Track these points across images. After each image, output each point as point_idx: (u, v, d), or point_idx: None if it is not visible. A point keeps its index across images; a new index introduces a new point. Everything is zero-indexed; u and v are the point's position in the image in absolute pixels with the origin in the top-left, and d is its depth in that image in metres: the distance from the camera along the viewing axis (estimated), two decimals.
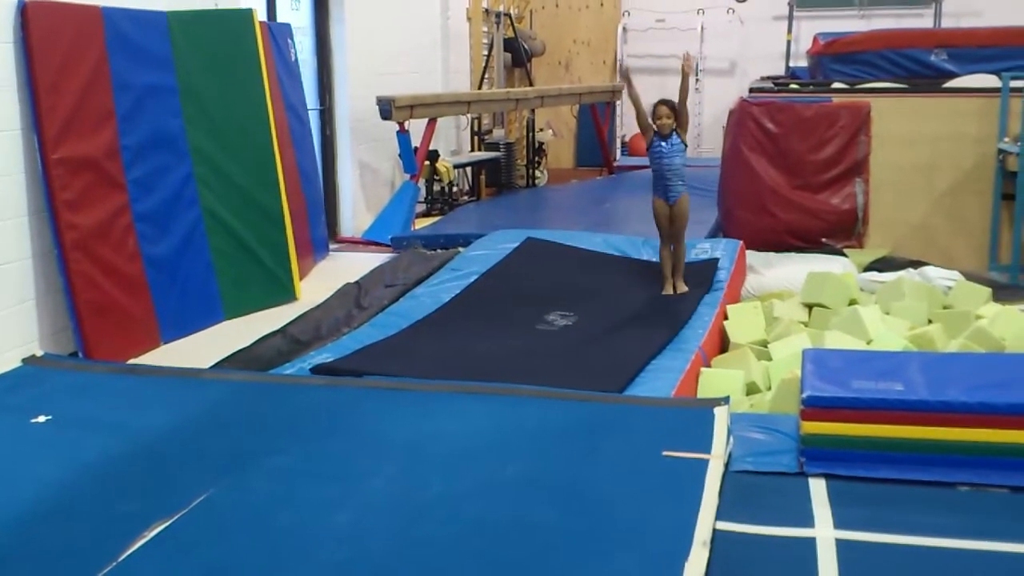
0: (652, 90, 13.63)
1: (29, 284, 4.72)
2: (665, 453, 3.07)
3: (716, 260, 5.88)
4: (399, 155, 8.39)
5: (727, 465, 3.05)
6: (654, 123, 5.44)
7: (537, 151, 11.60)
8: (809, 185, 6.83)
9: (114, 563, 2.47)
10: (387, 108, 7.85)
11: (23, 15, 4.58)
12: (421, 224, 8.40)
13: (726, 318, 5.17)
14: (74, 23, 4.85)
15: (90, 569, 2.44)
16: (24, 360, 4.31)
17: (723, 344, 5.02)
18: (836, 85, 7.81)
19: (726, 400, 3.47)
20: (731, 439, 3.19)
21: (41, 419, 3.53)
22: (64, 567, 2.49)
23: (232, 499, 2.86)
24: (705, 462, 2.99)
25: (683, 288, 5.46)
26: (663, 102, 5.47)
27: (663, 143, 5.46)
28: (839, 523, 2.69)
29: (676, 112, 5.45)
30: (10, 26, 4.56)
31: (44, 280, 4.78)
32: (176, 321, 5.30)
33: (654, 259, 5.97)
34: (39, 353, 4.51)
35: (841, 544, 2.58)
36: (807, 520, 2.72)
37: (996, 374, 3.17)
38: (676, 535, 2.54)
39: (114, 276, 4.94)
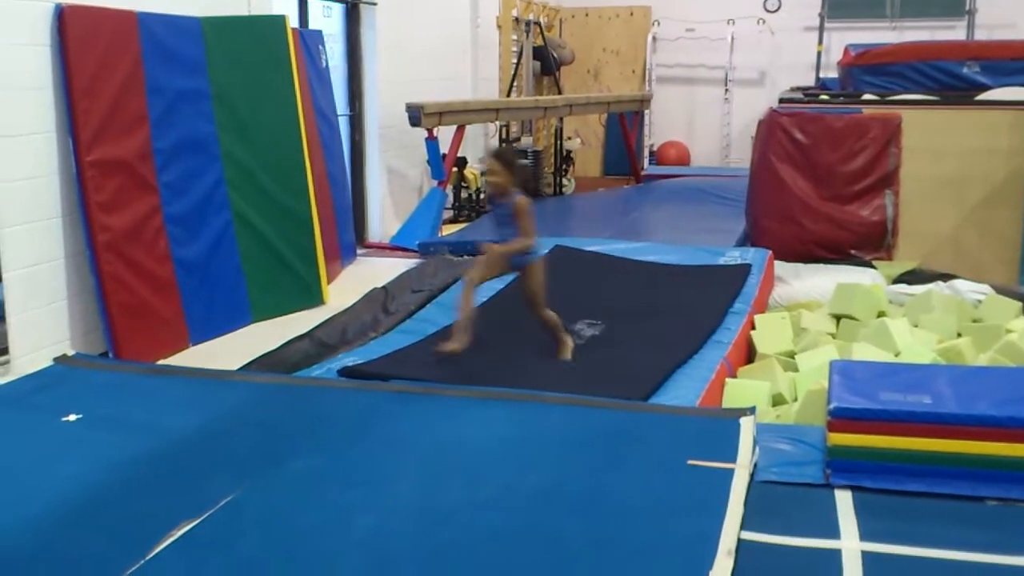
0: (680, 99, 13.67)
1: (61, 285, 4.78)
2: (690, 462, 3.06)
3: (748, 266, 5.86)
4: (427, 161, 8.42)
5: (752, 475, 3.04)
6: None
7: (565, 159, 11.61)
8: (838, 196, 6.79)
9: (141, 562, 2.49)
10: (416, 115, 7.88)
11: (60, 19, 4.64)
12: (448, 230, 8.43)
13: (753, 328, 5.15)
14: (110, 28, 4.92)
15: (117, 567, 2.46)
16: (55, 359, 4.37)
17: (750, 354, 5.00)
18: (867, 96, 7.78)
19: (752, 410, 3.45)
20: (756, 449, 3.18)
21: (71, 418, 3.57)
22: (91, 565, 2.51)
23: (257, 501, 2.88)
24: (730, 472, 2.98)
25: (567, 355, 4.50)
26: (495, 155, 4.42)
27: (497, 207, 4.40)
28: (865, 535, 2.68)
29: (513, 170, 4.33)
30: (47, 30, 4.63)
31: (76, 281, 4.84)
32: (205, 323, 5.35)
33: (683, 263, 5.98)
34: (70, 353, 4.56)
35: (867, 556, 2.56)
36: (833, 532, 2.71)
37: None
38: (700, 545, 2.53)
39: (145, 278, 4.99)
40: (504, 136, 10.96)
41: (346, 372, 4.23)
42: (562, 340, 4.56)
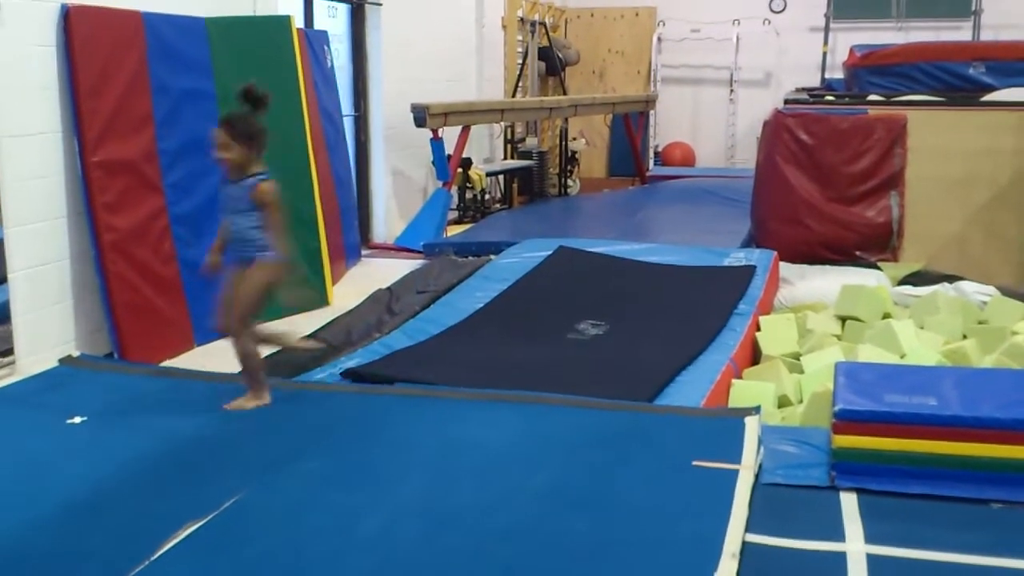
0: (686, 99, 13.70)
1: (66, 285, 4.78)
2: (695, 463, 3.06)
3: (753, 267, 5.86)
4: (432, 162, 8.42)
5: (757, 476, 3.03)
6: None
7: (570, 160, 11.61)
8: (844, 197, 6.78)
9: (147, 562, 2.50)
10: (421, 115, 7.88)
11: (66, 20, 4.65)
12: (453, 231, 8.43)
13: (758, 329, 5.14)
14: (115, 28, 4.92)
15: (123, 568, 2.47)
16: (61, 360, 4.38)
17: (755, 356, 4.99)
18: (872, 97, 7.76)
19: (757, 410, 3.46)
20: (761, 450, 3.18)
21: (76, 419, 3.58)
22: (98, 565, 2.52)
23: (263, 502, 2.89)
24: (735, 473, 2.98)
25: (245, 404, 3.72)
26: (224, 122, 3.63)
27: (230, 185, 3.70)
28: (870, 538, 2.67)
29: (250, 143, 3.62)
30: (53, 31, 4.63)
31: (81, 281, 4.84)
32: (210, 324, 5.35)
33: (688, 264, 5.97)
34: (75, 353, 4.57)
35: (871, 559, 2.56)
36: (837, 534, 2.71)
37: None
38: (705, 546, 2.54)
39: (150, 278, 4.99)
40: (509, 136, 10.97)
41: (349, 374, 4.23)
42: (255, 381, 3.72)
